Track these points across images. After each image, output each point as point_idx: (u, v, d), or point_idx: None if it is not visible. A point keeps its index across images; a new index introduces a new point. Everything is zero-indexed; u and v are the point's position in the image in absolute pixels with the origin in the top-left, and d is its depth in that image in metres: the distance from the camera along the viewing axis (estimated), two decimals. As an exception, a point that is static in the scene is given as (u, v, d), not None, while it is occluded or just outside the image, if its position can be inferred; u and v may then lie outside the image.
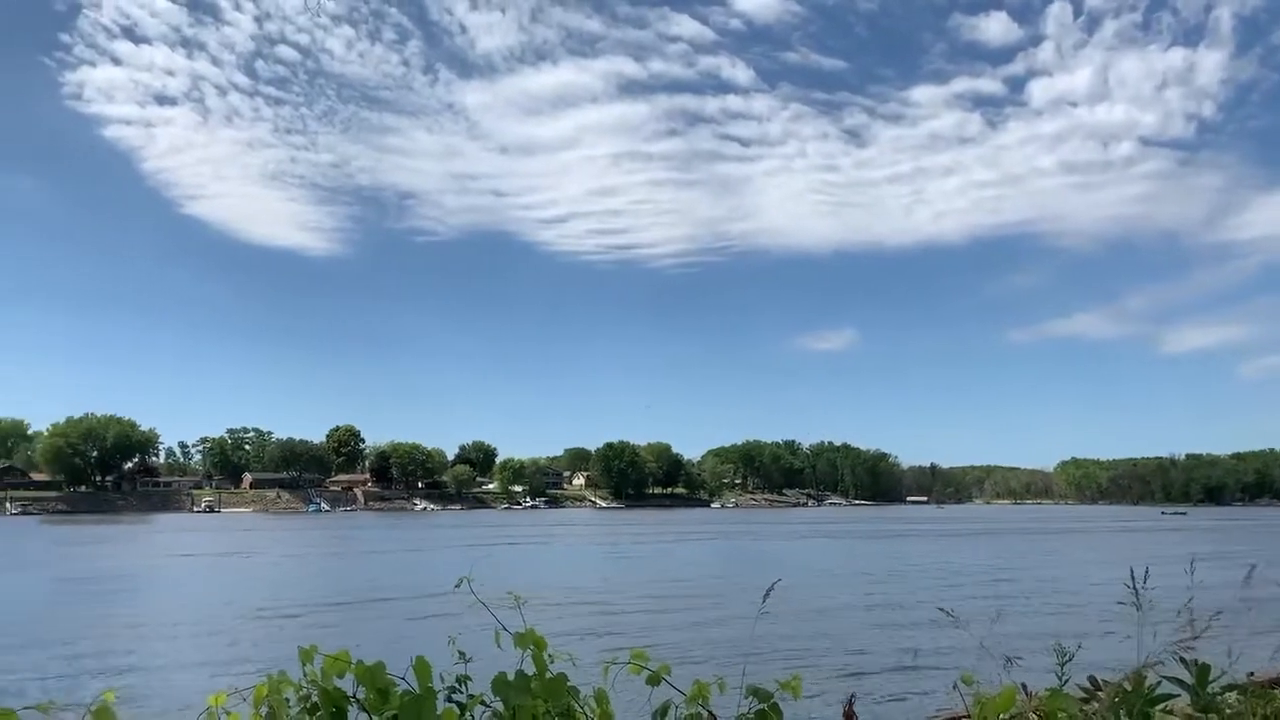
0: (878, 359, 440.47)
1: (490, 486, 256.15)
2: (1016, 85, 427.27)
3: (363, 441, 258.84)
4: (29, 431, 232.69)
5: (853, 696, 3.66)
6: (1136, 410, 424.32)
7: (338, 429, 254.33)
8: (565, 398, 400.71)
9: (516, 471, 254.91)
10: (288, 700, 2.98)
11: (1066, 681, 4.14)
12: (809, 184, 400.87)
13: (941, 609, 6.37)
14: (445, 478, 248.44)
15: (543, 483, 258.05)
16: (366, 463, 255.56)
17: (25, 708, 2.61)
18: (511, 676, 3.28)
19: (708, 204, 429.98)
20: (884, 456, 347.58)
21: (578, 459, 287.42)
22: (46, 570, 62.81)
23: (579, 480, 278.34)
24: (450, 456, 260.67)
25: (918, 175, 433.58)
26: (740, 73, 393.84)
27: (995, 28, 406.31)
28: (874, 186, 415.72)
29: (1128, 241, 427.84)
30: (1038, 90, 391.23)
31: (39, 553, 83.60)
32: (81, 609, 41.44)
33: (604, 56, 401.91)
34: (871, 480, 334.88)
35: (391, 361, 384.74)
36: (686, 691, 3.12)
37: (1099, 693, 3.98)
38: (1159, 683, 3.98)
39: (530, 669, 3.30)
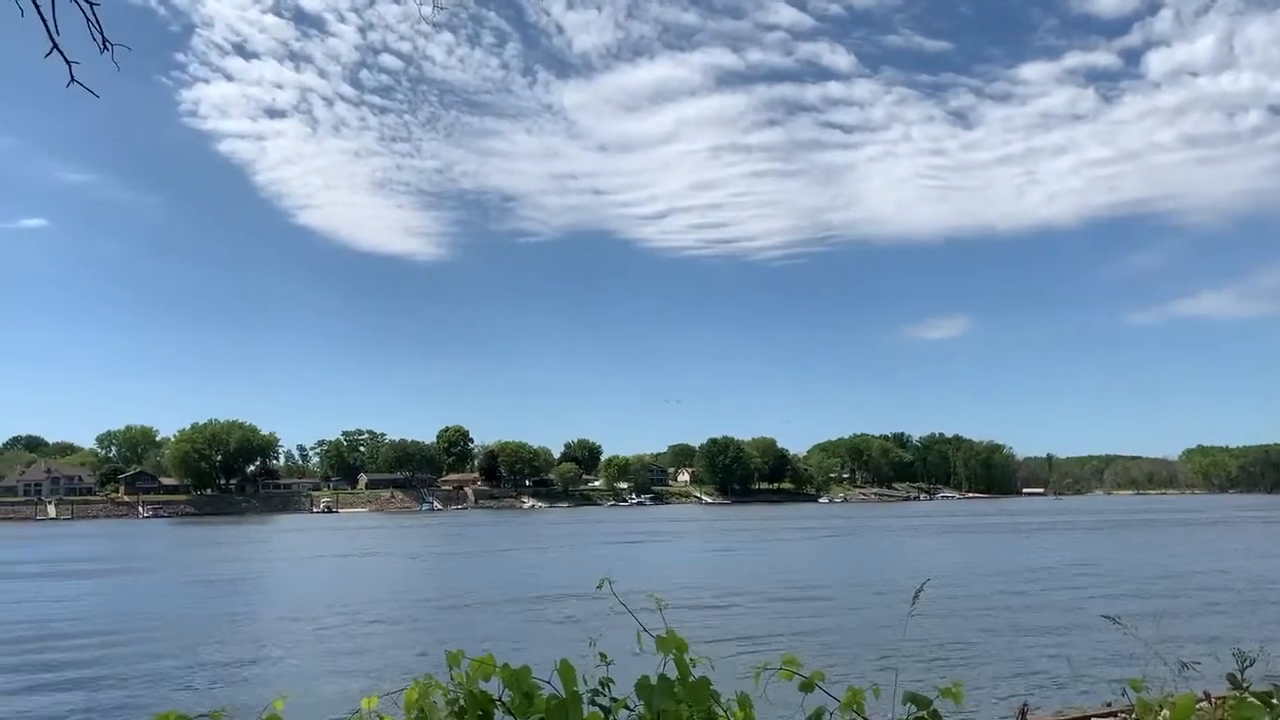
0: (990, 347, 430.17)
1: (596, 484, 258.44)
2: (1132, 57, 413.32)
3: (472, 441, 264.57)
4: (158, 438, 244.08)
5: (1025, 706, 3.47)
6: (1268, 394, 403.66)
7: (447, 429, 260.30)
8: (668, 394, 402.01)
9: (621, 468, 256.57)
10: (435, 704, 2.97)
11: (1248, 688, 3.86)
12: (915, 169, 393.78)
13: (1106, 616, 6.05)
14: (552, 475, 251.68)
15: (647, 479, 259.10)
16: (476, 462, 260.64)
17: (200, 716, 2.64)
18: (654, 680, 3.21)
19: (810, 193, 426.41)
20: (998, 448, 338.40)
21: (682, 455, 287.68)
22: (186, 572, 65.62)
23: (684, 476, 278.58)
24: (556, 454, 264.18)
25: (1029, 155, 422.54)
26: (841, 58, 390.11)
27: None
28: (983, 169, 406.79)
29: (1257, 217, 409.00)
30: (1156, 61, 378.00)
31: (175, 555, 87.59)
32: (225, 611, 43.02)
33: (701, 49, 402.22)
34: (985, 472, 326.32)
35: (498, 361, 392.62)
36: (839, 698, 2.99)
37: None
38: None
39: (672, 672, 3.23)
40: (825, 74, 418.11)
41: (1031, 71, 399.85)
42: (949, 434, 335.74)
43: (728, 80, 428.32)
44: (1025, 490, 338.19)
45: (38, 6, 4.78)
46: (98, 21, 4.99)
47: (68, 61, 5.06)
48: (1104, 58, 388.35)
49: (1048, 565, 60.61)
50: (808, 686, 2.94)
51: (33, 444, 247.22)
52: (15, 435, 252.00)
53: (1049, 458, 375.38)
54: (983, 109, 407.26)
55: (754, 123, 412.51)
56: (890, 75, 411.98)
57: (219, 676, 27.65)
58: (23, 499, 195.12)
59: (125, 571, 64.70)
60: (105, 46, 5.15)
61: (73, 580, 58.43)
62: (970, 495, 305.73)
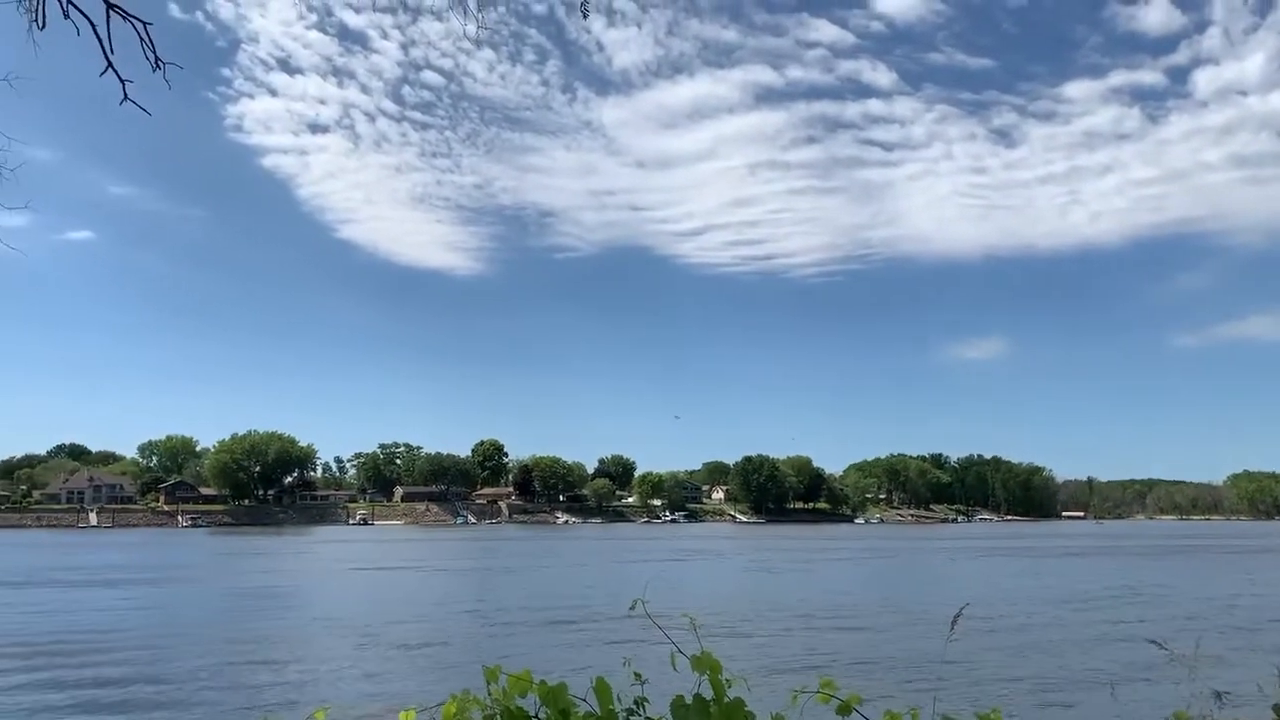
0: (1031, 368, 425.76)
1: (629, 500, 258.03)
2: (1179, 76, 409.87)
3: (506, 455, 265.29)
4: (198, 448, 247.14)
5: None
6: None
7: (482, 443, 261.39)
8: (703, 411, 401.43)
9: (655, 485, 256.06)
10: (472, 719, 2.98)
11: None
12: (955, 187, 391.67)
13: (1152, 641, 5.94)
14: (586, 491, 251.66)
15: (681, 496, 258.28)
16: (510, 476, 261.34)
17: None
18: (689, 700, 3.21)
19: (849, 211, 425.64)
20: (1037, 470, 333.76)
21: (716, 473, 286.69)
22: (225, 583, 66.07)
23: (718, 494, 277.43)
24: (590, 470, 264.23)
25: (1072, 175, 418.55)
26: (882, 76, 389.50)
27: (1155, 16, 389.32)
28: (1025, 188, 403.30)
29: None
30: (1203, 80, 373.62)
31: (214, 565, 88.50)
32: (263, 623, 43.40)
33: (741, 66, 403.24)
34: (1024, 495, 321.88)
35: (533, 376, 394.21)
36: (877, 722, 2.97)
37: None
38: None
39: (707, 693, 3.23)
40: (866, 91, 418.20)
41: (1076, 90, 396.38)
42: (988, 455, 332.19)
43: (767, 97, 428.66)
44: (1065, 514, 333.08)
45: (94, 27, 4.91)
46: (151, 41, 5.12)
47: (122, 80, 5.19)
48: (1150, 76, 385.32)
49: (1091, 590, 59.42)
50: (845, 710, 2.92)
51: (76, 452, 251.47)
52: (59, 444, 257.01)
53: (1090, 481, 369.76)
54: (1025, 127, 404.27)
55: (793, 140, 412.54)
56: (932, 93, 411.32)
57: (257, 687, 27.86)
58: (66, 506, 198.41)
59: (165, 581, 65.37)
60: (158, 65, 5.29)
61: (114, 589, 59.12)
62: (1009, 518, 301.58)
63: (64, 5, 5.02)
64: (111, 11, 5.16)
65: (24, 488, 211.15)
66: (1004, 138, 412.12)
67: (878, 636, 37.93)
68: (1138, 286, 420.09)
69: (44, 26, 5.01)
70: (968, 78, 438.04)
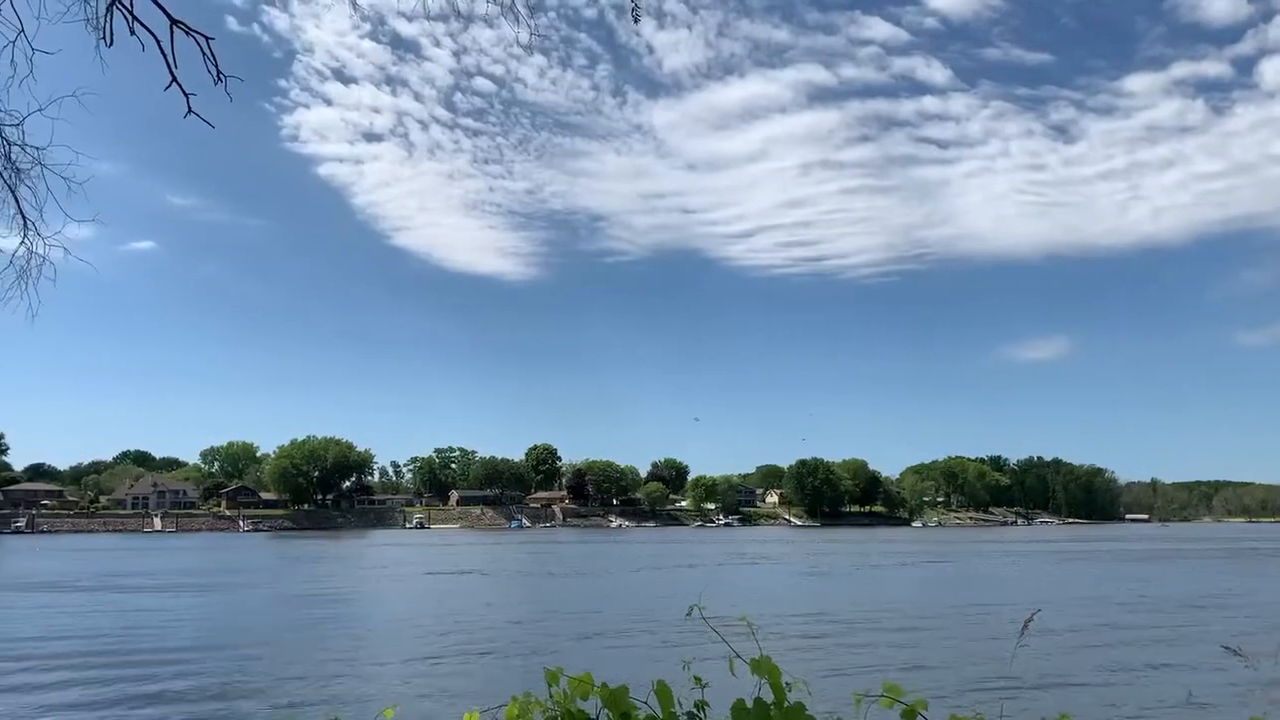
0: (1091, 368, 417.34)
1: (682, 504, 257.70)
2: (1245, 66, 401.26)
3: (559, 459, 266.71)
4: (258, 454, 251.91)
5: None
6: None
7: (536, 447, 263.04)
8: (757, 414, 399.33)
9: (708, 489, 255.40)
10: (535, 721, 3.00)
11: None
12: (1013, 184, 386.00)
13: (1227, 648, 5.78)
14: (639, 495, 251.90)
15: (735, 500, 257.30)
16: (563, 480, 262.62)
17: None
18: (749, 704, 3.20)
19: (903, 210, 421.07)
20: (1099, 472, 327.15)
21: (770, 476, 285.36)
22: (287, 587, 67.04)
23: (772, 498, 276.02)
24: (643, 474, 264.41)
25: (1133, 170, 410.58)
26: (936, 73, 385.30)
27: (1220, 6, 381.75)
28: (1085, 184, 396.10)
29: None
30: (1270, 70, 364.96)
31: (276, 569, 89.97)
32: (326, 627, 44.04)
33: (793, 66, 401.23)
34: (1086, 497, 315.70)
35: (585, 380, 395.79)
36: (942, 727, 2.93)
37: None
38: None
39: (767, 697, 3.21)
40: (920, 89, 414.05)
41: (1137, 83, 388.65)
42: (1048, 457, 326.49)
43: (819, 97, 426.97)
44: (1129, 516, 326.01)
45: (159, 42, 5.04)
46: (213, 55, 5.24)
47: (186, 95, 5.32)
48: (1214, 67, 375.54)
49: (1161, 595, 57.97)
50: (909, 715, 2.88)
51: (141, 459, 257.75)
52: (125, 450, 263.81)
53: (1154, 483, 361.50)
54: (1085, 122, 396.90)
55: (846, 139, 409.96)
56: (988, 89, 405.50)
57: (322, 689, 28.26)
58: (131, 512, 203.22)
59: (230, 587, 66.42)
60: (219, 79, 5.41)
61: (180, 595, 60.33)
62: (1070, 521, 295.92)
63: (130, 22, 5.16)
64: (175, 27, 5.29)
65: (92, 493, 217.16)
66: (1062, 133, 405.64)
67: (941, 642, 37.34)
68: (1202, 284, 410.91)
69: (111, 44, 5.16)
70: (1024, 73, 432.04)
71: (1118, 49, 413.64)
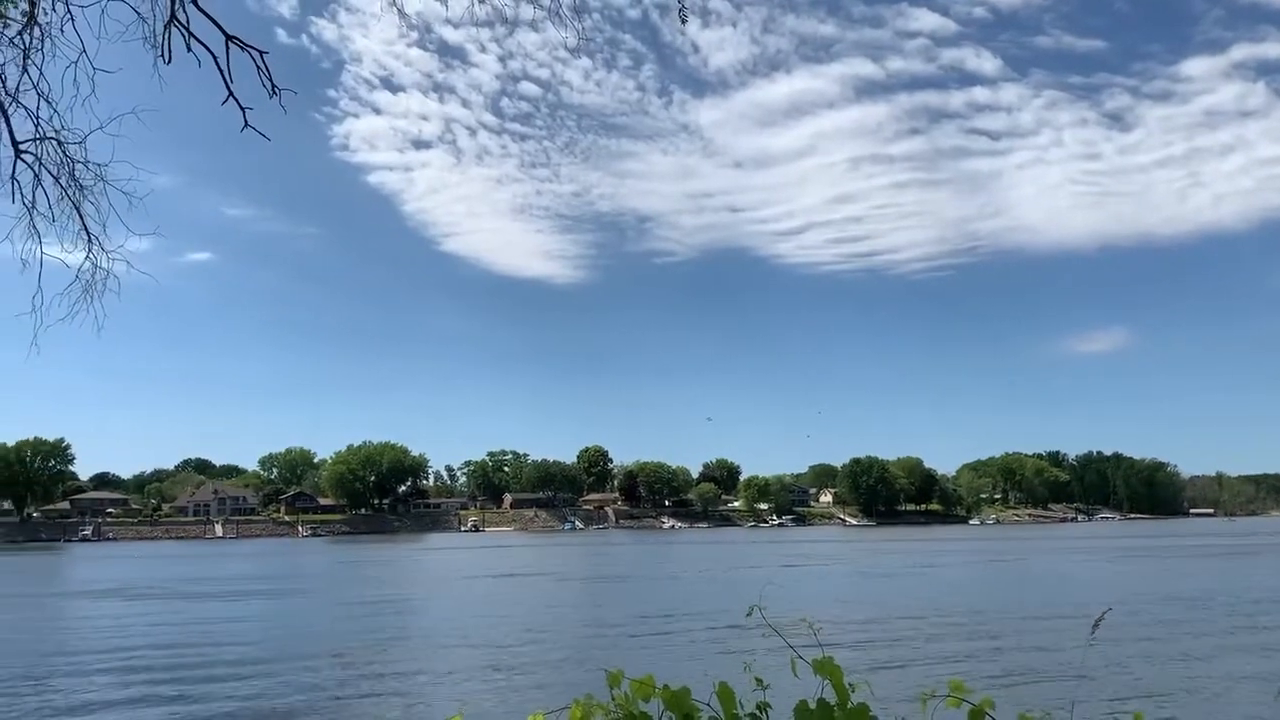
0: (1151, 360, 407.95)
1: (735, 504, 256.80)
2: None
3: (611, 461, 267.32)
4: (315, 460, 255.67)
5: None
6: None
7: (587, 449, 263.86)
8: (809, 413, 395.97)
9: (761, 489, 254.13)
10: (597, 723, 3.00)
11: None
12: (1067, 174, 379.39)
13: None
14: (691, 496, 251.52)
15: (788, 500, 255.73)
16: (615, 482, 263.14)
17: None
18: (813, 705, 3.17)
19: (955, 203, 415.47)
20: (1161, 466, 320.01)
21: (824, 476, 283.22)
22: (348, 592, 67.90)
23: (826, 497, 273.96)
24: (695, 474, 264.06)
25: (1192, 156, 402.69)
26: (986, 63, 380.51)
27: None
28: (1142, 172, 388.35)
29: None
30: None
31: (337, 574, 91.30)
32: (388, 631, 44.35)
33: (839, 60, 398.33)
34: (1147, 492, 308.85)
35: (635, 381, 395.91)
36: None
37: None
38: None
39: (829, 698, 3.18)
40: (970, 79, 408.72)
41: (1194, 67, 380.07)
42: (1107, 452, 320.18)
43: (867, 90, 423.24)
44: (1193, 511, 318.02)
45: (215, 58, 5.15)
46: (268, 69, 5.34)
47: (243, 108, 5.43)
48: (1276, 49, 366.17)
49: (1235, 592, 56.23)
50: (977, 715, 2.83)
51: (202, 466, 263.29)
52: (186, 458, 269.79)
53: (1219, 476, 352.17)
54: (1140, 109, 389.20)
55: (895, 132, 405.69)
56: (1040, 78, 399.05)
57: (388, 694, 28.60)
58: (193, 519, 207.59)
59: (292, 593, 67.10)
60: (274, 92, 5.51)
61: (247, 601, 61.14)
62: (1131, 516, 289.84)
63: (186, 39, 5.27)
64: (230, 43, 5.39)
65: (155, 501, 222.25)
66: (1117, 121, 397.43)
67: (1007, 641, 36.71)
68: (1266, 270, 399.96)
69: (170, 61, 5.27)
70: (1077, 60, 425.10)
71: (1174, 33, 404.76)
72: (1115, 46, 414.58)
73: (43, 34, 5.72)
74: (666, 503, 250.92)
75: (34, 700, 28.03)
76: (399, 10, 6.27)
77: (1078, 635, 33.29)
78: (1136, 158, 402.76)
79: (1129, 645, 33.42)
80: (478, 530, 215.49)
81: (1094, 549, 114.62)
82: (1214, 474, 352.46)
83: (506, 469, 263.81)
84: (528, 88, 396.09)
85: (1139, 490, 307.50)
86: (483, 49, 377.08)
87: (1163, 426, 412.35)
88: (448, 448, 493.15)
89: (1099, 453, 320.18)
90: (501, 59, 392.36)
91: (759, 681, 3.33)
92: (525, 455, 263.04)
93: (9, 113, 5.99)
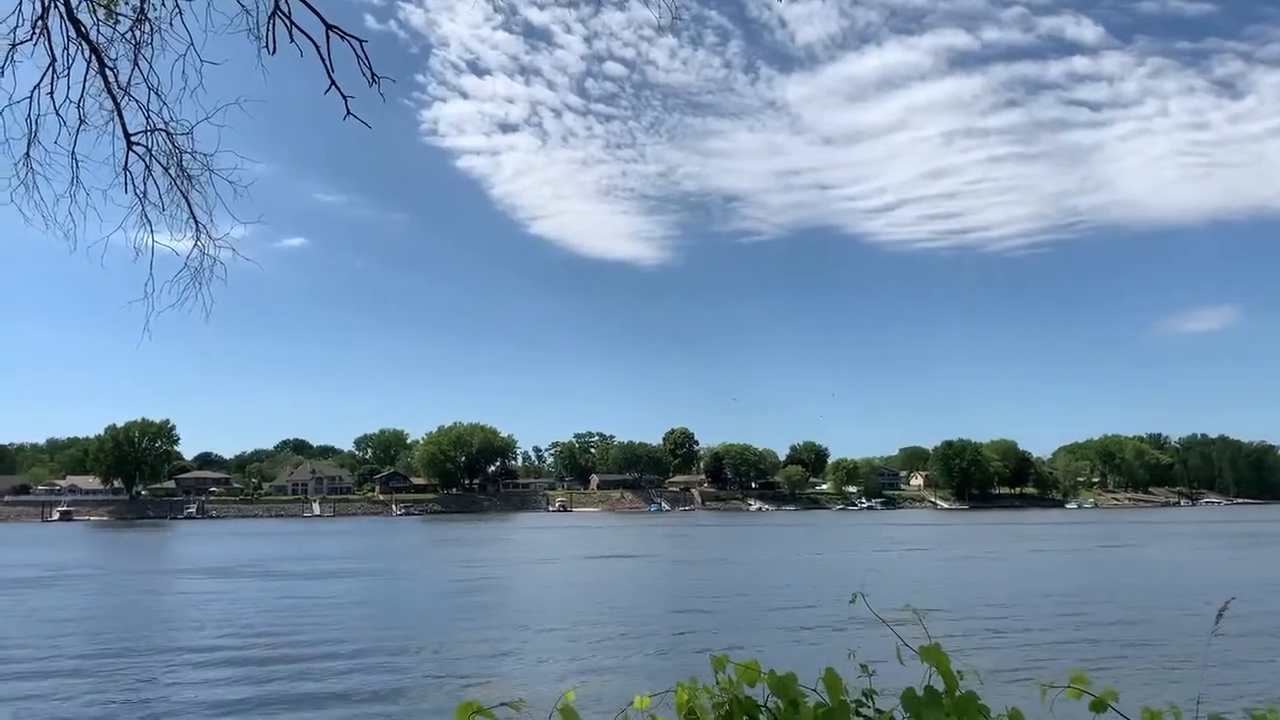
0: (1263, 339, 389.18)
1: (823, 487, 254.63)
2: None
3: (696, 443, 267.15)
4: (408, 440, 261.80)
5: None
6: None
7: (673, 431, 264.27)
8: (899, 394, 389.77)
9: (850, 471, 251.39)
10: (704, 706, 2.99)
11: None
12: (1173, 146, 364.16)
13: None
14: (778, 478, 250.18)
15: (877, 483, 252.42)
16: (701, 464, 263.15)
17: (500, 704, 2.76)
18: (919, 692, 3.11)
19: (1054, 178, 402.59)
20: (1271, 449, 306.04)
21: (914, 458, 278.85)
22: (443, 571, 69.02)
23: (916, 480, 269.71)
24: (781, 457, 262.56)
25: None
26: (1087, 31, 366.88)
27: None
28: (1254, 142, 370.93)
29: None
30: None
31: (430, 553, 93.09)
32: (483, 611, 45.15)
33: (931, 31, 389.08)
34: (1256, 476, 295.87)
35: (722, 363, 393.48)
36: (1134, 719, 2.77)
37: None
38: None
39: (936, 685, 3.12)
40: (1069, 48, 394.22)
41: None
42: (1213, 434, 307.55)
43: (961, 62, 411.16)
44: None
45: (317, 48, 5.26)
46: (367, 58, 5.43)
47: (344, 97, 5.55)
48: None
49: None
50: (1099, 706, 2.73)
51: (300, 447, 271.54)
52: (285, 439, 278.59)
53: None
54: (1253, 76, 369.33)
55: (991, 105, 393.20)
56: (1144, 45, 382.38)
57: (490, 673, 29.03)
58: (292, 497, 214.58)
59: (389, 572, 68.39)
60: (374, 80, 5.61)
61: (348, 579, 62.65)
62: (1239, 501, 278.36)
63: (289, 30, 5.38)
64: (330, 32, 5.49)
65: (255, 480, 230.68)
66: (1228, 88, 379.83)
67: (1124, 631, 35.54)
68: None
69: (274, 51, 5.40)
70: (1184, 25, 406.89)
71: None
72: (1226, 9, 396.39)
73: (152, 29, 5.92)
74: (752, 485, 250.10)
75: (165, 675, 29.38)
76: (492, -5, 6.27)
77: (1198, 627, 31.93)
78: (1249, 126, 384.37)
79: (1257, 639, 31.87)
80: (565, 510, 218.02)
81: (1206, 534, 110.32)
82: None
83: (593, 450, 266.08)
84: (613, 68, 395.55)
85: (1247, 474, 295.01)
86: (568, 30, 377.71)
87: (1274, 408, 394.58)
88: (535, 429, 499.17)
89: (1204, 435, 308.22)
90: (586, 39, 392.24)
91: (864, 668, 3.28)
92: (611, 437, 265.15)
93: (121, 106, 6.22)
